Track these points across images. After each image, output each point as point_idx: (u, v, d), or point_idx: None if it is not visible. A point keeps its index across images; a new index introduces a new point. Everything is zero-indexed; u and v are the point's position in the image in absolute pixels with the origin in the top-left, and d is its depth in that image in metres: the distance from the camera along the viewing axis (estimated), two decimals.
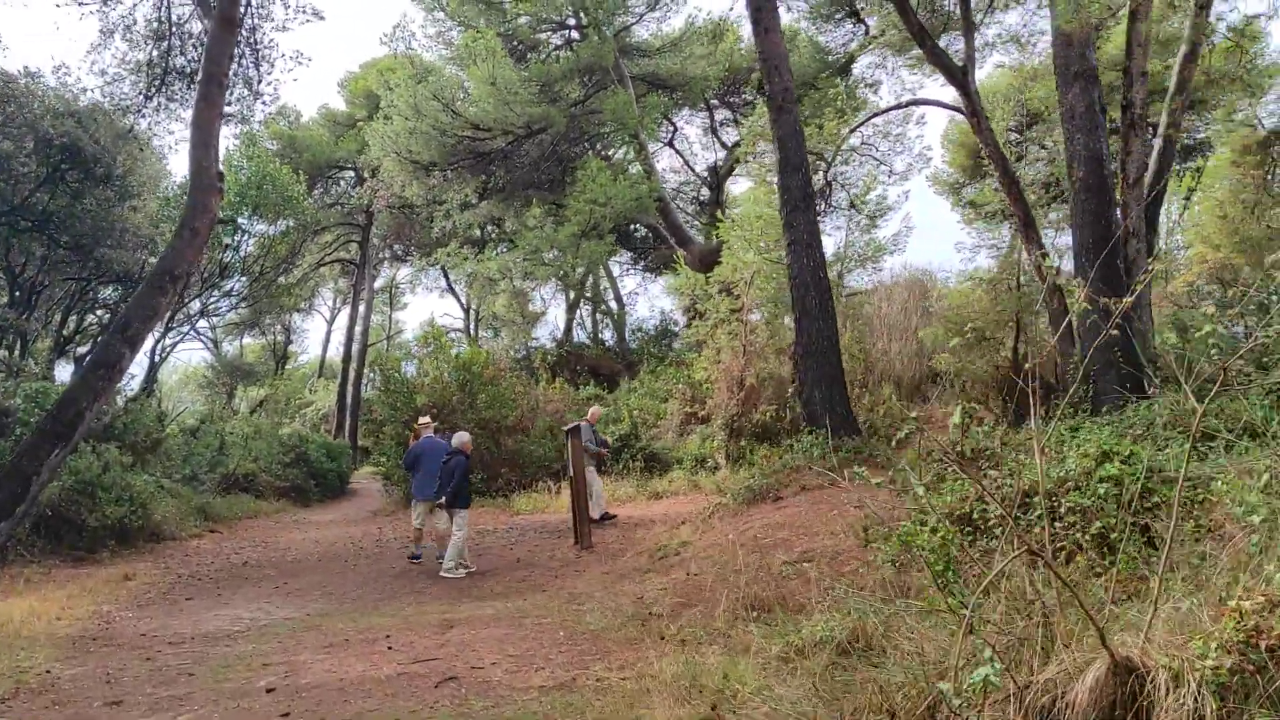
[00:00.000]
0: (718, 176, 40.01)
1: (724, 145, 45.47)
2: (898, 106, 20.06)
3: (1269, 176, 21.15)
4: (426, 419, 16.08)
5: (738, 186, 58.71)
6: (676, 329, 44.48)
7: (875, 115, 20.29)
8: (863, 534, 8.79)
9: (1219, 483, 6.15)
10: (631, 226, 41.10)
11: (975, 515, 7.43)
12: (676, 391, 25.58)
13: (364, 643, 8.64)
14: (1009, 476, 7.57)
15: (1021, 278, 20.71)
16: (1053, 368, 21.87)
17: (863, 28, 31.80)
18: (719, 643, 7.12)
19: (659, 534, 14.30)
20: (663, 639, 7.56)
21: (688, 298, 23.79)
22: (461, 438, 14.42)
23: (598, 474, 17.33)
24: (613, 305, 46.14)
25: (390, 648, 8.37)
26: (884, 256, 24.19)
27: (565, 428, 17.36)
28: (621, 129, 35.23)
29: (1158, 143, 18.96)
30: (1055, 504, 6.95)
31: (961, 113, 19.16)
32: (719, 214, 41.24)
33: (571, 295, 47.43)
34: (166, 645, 8.96)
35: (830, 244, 21.63)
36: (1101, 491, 6.97)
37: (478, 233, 44.50)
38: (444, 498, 13.73)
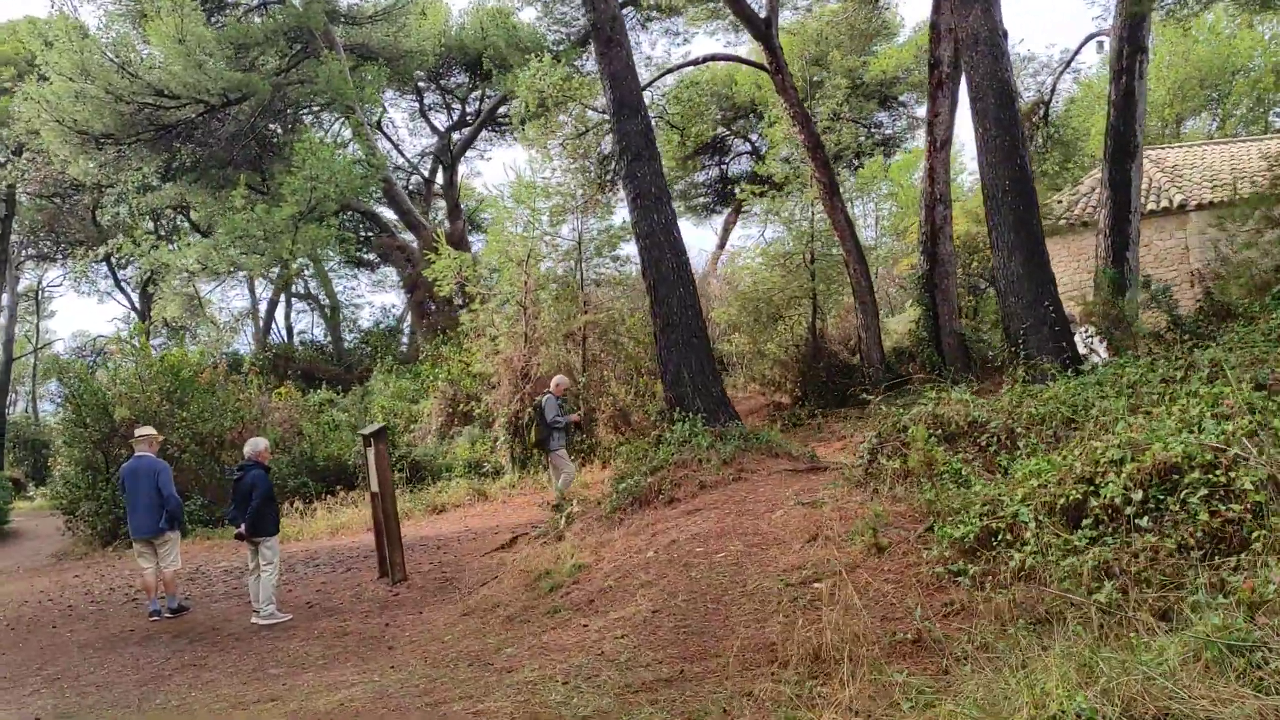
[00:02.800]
0: (450, 155, 36.87)
1: (435, 130, 42.38)
2: (693, 63, 18.30)
3: (1044, 144, 21.34)
4: (148, 431, 12.15)
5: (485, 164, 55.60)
6: (405, 326, 40.87)
7: (668, 72, 18.40)
8: (872, 537, 6.67)
9: None
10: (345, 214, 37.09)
11: (1102, 501, 5.48)
12: (434, 390, 22.52)
13: None
14: (1117, 448, 5.70)
15: (816, 250, 19.61)
16: (856, 345, 21.01)
17: None
18: None
19: (502, 555, 11.59)
20: None
21: (451, 283, 20.88)
22: (257, 445, 11.03)
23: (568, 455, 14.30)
24: (325, 302, 41.62)
25: None
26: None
27: (533, 403, 14.37)
28: (336, 102, 31.41)
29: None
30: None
31: (763, 69, 17.71)
32: (458, 196, 38.50)
33: (272, 292, 42.36)
34: None
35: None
36: None
37: (159, 220, 38.76)
38: (242, 525, 10.39)
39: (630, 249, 21.48)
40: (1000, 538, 5.77)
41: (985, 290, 31.50)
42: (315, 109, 35.56)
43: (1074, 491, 5.61)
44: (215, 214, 31.49)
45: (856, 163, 33.67)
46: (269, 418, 23.80)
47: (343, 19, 35.78)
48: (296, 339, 42.25)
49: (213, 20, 32.65)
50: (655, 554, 8.16)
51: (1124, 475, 5.45)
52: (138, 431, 12.03)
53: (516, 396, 18.75)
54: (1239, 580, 4.30)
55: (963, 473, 7.17)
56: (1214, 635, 3.83)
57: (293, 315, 46.97)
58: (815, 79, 19.55)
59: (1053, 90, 21.38)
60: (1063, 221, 25.09)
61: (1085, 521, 5.48)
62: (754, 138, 39.72)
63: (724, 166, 43.53)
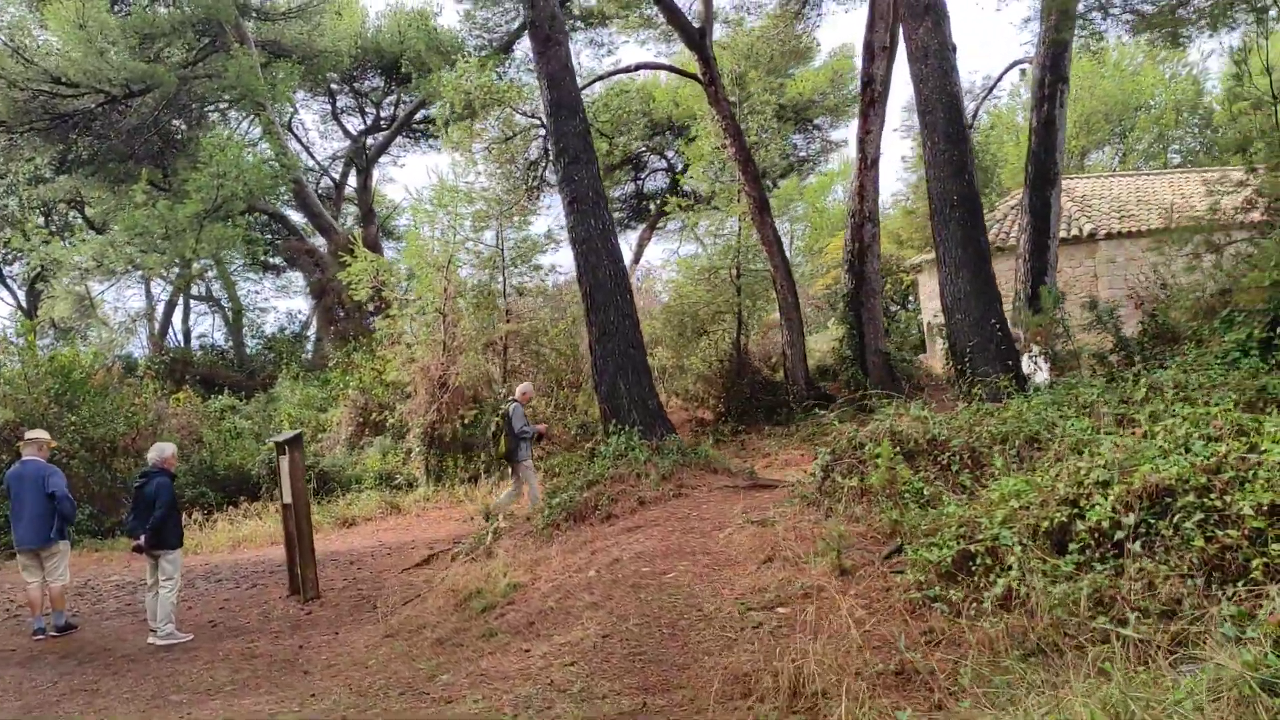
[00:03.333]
0: (366, 159, 35.85)
1: (347, 134, 41.25)
2: (625, 70, 17.95)
3: None
4: (39, 434, 11.15)
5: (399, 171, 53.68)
6: (310, 333, 39.51)
7: (599, 79, 18.02)
8: (835, 559, 6.34)
9: None
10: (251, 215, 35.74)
11: (1089, 524, 5.21)
12: (344, 398, 21.65)
13: None
14: (1102, 467, 5.46)
15: (742, 265, 19.42)
16: (780, 362, 20.85)
17: None
18: None
19: (422, 572, 11.00)
20: None
21: (367, 288, 20.09)
22: (163, 450, 10.25)
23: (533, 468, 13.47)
24: (228, 305, 39.98)
25: None
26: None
27: (499, 410, 13.57)
28: (246, 98, 30.23)
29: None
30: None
31: (696, 79, 17.46)
32: (372, 201, 37.41)
33: (170, 293, 40.52)
34: None
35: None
36: None
37: (50, 214, 36.78)
38: (142, 537, 9.59)
39: (552, 258, 21.07)
40: (979, 562, 5.47)
41: (896, 313, 31.92)
42: (223, 106, 34.17)
43: (1058, 514, 5.35)
44: (112, 210, 29.99)
45: (771, 185, 33.81)
46: (166, 423, 22.59)
47: (255, 14, 34.58)
48: (195, 343, 40.50)
49: (116, 8, 31.19)
50: (597, 573, 7.70)
51: (1112, 498, 5.21)
52: (27, 434, 11.13)
53: (433, 406, 18.08)
54: (1261, 612, 4.05)
55: (925, 492, 6.90)
56: (1244, 672, 3.56)
57: (191, 318, 45.14)
58: (742, 97, 19.36)
59: (975, 115, 21.64)
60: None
61: (1072, 546, 5.22)
62: (670, 154, 39.59)
63: (639, 182, 43.32)
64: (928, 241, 23.20)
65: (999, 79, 20.82)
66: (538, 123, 17.54)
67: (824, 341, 25.33)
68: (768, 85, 20.93)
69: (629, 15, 18.16)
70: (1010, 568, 5.27)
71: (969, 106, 22.73)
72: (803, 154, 43.37)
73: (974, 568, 5.51)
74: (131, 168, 30.19)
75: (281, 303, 44.15)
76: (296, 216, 36.77)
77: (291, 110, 38.69)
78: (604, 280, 12.08)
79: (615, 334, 11.94)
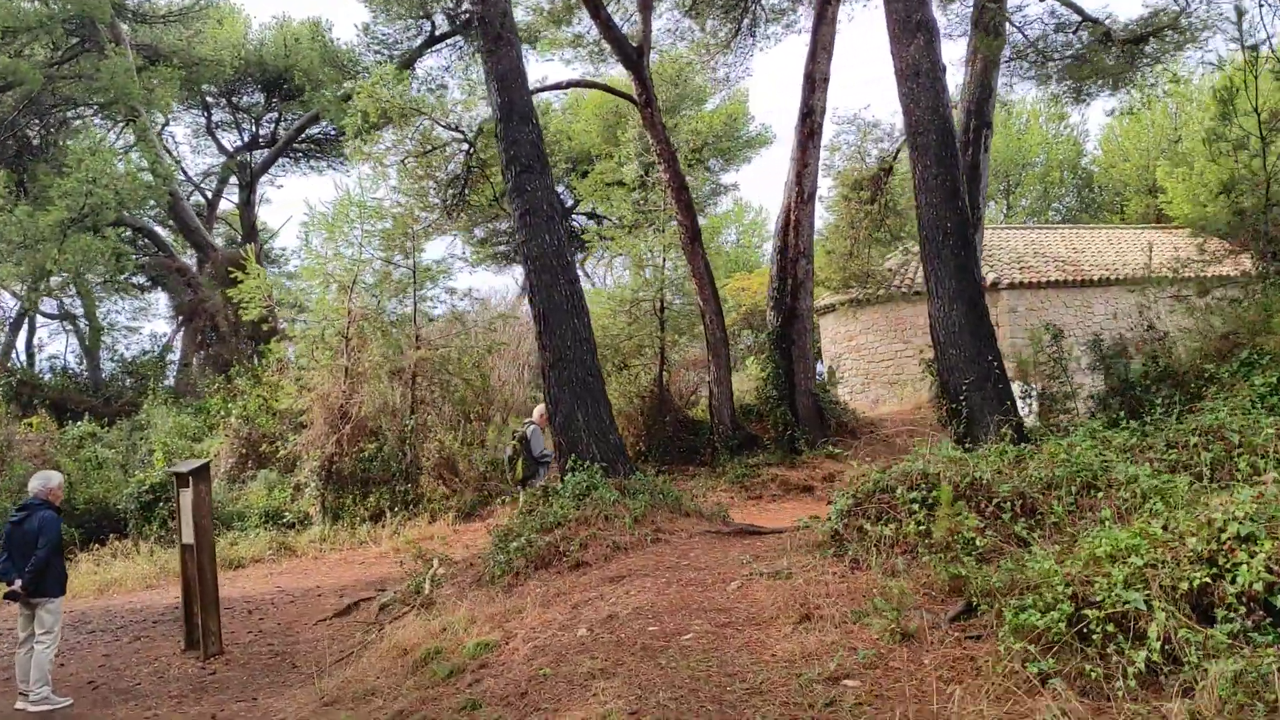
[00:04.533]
0: (250, 174, 33.77)
1: (223, 149, 38.98)
2: (555, 86, 16.99)
3: (880, 213, 21.30)
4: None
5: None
6: (171, 357, 36.81)
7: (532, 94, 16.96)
8: (894, 621, 5.46)
9: None
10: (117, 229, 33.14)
11: (1238, 587, 4.46)
12: (225, 428, 19.82)
13: None
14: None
15: (666, 298, 18.62)
16: (706, 400, 20.02)
17: None
18: None
19: (342, 624, 9.67)
20: None
21: (260, 307, 18.45)
22: (49, 480, 8.70)
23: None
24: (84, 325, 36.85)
25: None
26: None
27: (515, 433, 12.44)
28: (118, 103, 28.01)
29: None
30: None
31: (631, 100, 16.63)
32: (254, 218, 35.19)
33: (16, 309, 37.19)
34: None
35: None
36: None
37: None
38: (17, 581, 8.04)
39: (467, 280, 19.81)
40: (1096, 629, 4.66)
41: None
42: (89, 110, 31.69)
43: (1196, 575, 4.59)
44: None
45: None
46: (15, 451, 20.33)
47: (131, 14, 32.40)
48: (43, 364, 37.23)
49: None
50: (590, 632, 6.62)
51: (1261, 556, 4.48)
52: None
53: (334, 439, 16.56)
54: None
55: (977, 544, 6.09)
56: None
57: (36, 337, 41.66)
58: (670, 125, 18.67)
59: (895, 156, 21.49)
60: (891, 290, 25.34)
61: (1220, 613, 4.47)
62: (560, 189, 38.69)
63: None
64: (843, 283, 22.93)
65: None
66: (460, 137, 16.41)
67: (739, 381, 24.71)
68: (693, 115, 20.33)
69: (556, 33, 17.25)
70: (1146, 638, 4.47)
71: (878, 152, 22.64)
72: (693, 194, 43.35)
73: (1093, 636, 4.69)
74: None
75: (143, 325, 40.89)
76: (161, 232, 34.41)
77: (163, 120, 36.31)
78: (560, 301, 11.01)
79: (572, 360, 10.84)
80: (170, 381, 35.09)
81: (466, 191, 16.78)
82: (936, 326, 9.99)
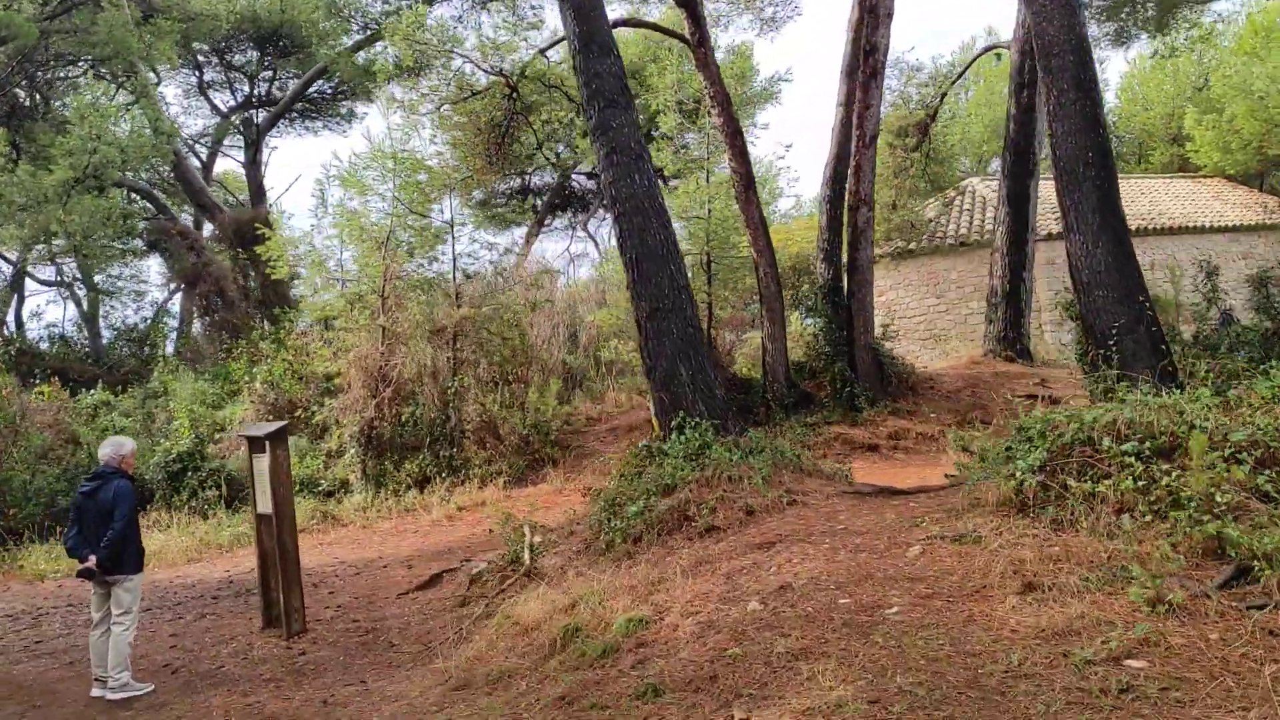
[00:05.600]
0: (256, 132, 32.62)
1: (217, 109, 37.68)
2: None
3: (923, 160, 20.52)
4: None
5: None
6: (173, 319, 35.86)
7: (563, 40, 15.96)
8: (1150, 588, 4.75)
9: None
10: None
11: None
12: (250, 393, 18.94)
13: None
14: None
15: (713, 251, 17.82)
16: (748, 359, 19.31)
17: None
18: None
19: (431, 598, 8.95)
20: None
21: (287, 266, 17.55)
22: (121, 446, 7.86)
23: None
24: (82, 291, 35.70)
25: None
26: None
27: None
28: (118, 57, 26.79)
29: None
30: None
31: (683, 39, 15.70)
32: (261, 177, 33.97)
33: (11, 274, 35.94)
34: None
35: None
36: None
37: None
38: (93, 558, 7.24)
39: (508, 237, 18.93)
40: None
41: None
42: (81, 68, 30.33)
43: None
44: None
45: (665, 183, 32.35)
46: (29, 420, 19.48)
47: None
48: (38, 332, 36.09)
49: None
50: (765, 605, 5.89)
51: None
52: None
53: (373, 403, 15.75)
54: None
55: (1217, 499, 5.37)
56: None
57: (30, 304, 40.52)
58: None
59: (941, 99, 20.67)
60: (936, 242, 24.56)
61: None
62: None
63: (526, 177, 41.10)
64: (885, 235, 22.11)
65: (971, 63, 19.89)
66: (501, 80, 15.46)
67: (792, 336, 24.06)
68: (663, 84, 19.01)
69: None
70: None
71: (920, 97, 21.76)
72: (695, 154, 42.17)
73: None
74: None
75: (147, 291, 39.51)
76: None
77: (157, 79, 34.94)
78: (655, 246, 10.16)
79: (671, 310, 10.01)
80: (170, 349, 34.14)
81: (507, 140, 15.83)
82: (1079, 267, 9.21)
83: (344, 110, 39.20)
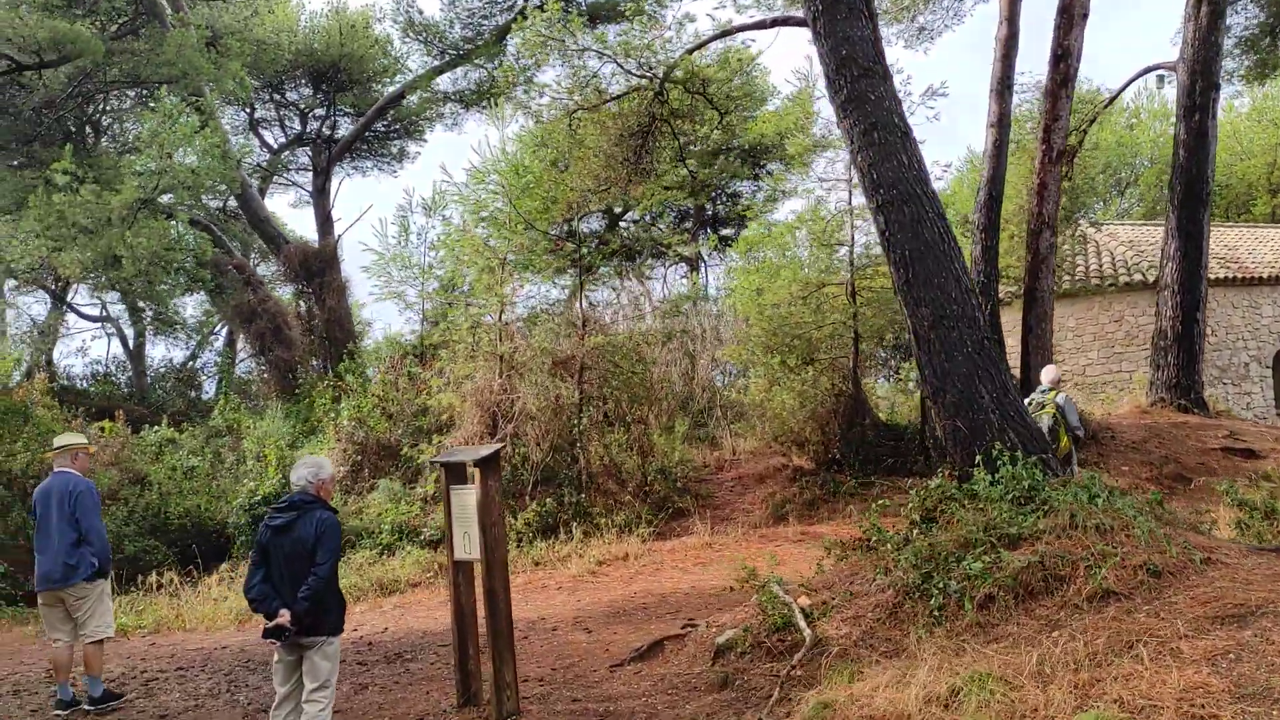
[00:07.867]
0: (327, 159, 31.24)
1: (267, 146, 36.43)
2: (757, 26, 14.30)
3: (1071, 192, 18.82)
4: (72, 439, 7.70)
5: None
6: (215, 354, 34.15)
7: (720, 36, 14.44)
8: None
9: None
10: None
11: None
12: (335, 430, 17.15)
13: None
14: None
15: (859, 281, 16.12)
16: (924, 405, 17.52)
17: None
18: None
19: (658, 671, 7.05)
20: None
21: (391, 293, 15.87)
22: (320, 469, 6.05)
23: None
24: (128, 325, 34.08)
25: None
26: None
27: (1035, 401, 10.44)
28: (186, 79, 25.43)
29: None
30: None
31: None
32: (329, 207, 32.46)
33: (51, 304, 34.32)
34: None
35: None
36: None
37: None
38: (286, 613, 5.49)
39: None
40: None
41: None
42: (139, 91, 28.98)
43: None
44: (10, 195, 24.58)
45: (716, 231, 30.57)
46: (93, 459, 17.74)
47: None
48: (81, 369, 34.43)
49: None
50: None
51: None
52: (57, 441, 7.51)
53: (497, 439, 13.93)
54: None
55: None
56: None
57: (67, 342, 38.89)
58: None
59: (1093, 121, 19.02)
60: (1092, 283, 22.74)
61: None
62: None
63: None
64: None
65: (1128, 83, 18.33)
66: (646, 82, 13.88)
67: (882, 389, 22.19)
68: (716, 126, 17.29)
69: None
70: None
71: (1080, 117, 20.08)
72: (744, 202, 40.37)
73: None
74: (36, 150, 25.05)
75: (188, 326, 37.85)
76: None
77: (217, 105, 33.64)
78: (933, 241, 8.33)
79: (959, 319, 8.13)
80: (213, 388, 32.46)
81: (644, 150, 14.22)
82: None
83: (395, 149, 38.01)
